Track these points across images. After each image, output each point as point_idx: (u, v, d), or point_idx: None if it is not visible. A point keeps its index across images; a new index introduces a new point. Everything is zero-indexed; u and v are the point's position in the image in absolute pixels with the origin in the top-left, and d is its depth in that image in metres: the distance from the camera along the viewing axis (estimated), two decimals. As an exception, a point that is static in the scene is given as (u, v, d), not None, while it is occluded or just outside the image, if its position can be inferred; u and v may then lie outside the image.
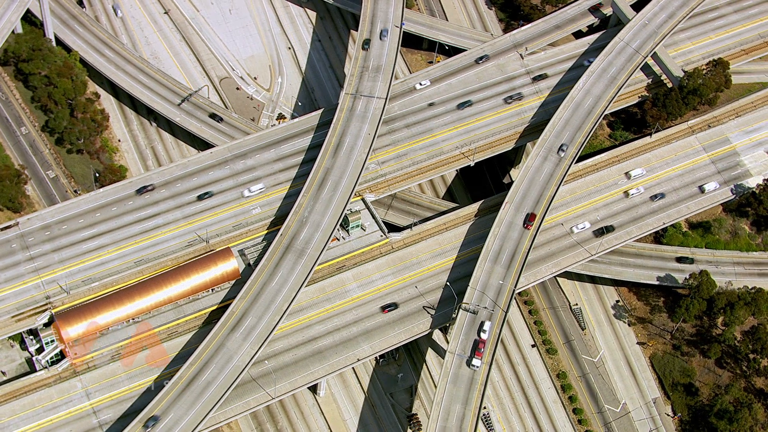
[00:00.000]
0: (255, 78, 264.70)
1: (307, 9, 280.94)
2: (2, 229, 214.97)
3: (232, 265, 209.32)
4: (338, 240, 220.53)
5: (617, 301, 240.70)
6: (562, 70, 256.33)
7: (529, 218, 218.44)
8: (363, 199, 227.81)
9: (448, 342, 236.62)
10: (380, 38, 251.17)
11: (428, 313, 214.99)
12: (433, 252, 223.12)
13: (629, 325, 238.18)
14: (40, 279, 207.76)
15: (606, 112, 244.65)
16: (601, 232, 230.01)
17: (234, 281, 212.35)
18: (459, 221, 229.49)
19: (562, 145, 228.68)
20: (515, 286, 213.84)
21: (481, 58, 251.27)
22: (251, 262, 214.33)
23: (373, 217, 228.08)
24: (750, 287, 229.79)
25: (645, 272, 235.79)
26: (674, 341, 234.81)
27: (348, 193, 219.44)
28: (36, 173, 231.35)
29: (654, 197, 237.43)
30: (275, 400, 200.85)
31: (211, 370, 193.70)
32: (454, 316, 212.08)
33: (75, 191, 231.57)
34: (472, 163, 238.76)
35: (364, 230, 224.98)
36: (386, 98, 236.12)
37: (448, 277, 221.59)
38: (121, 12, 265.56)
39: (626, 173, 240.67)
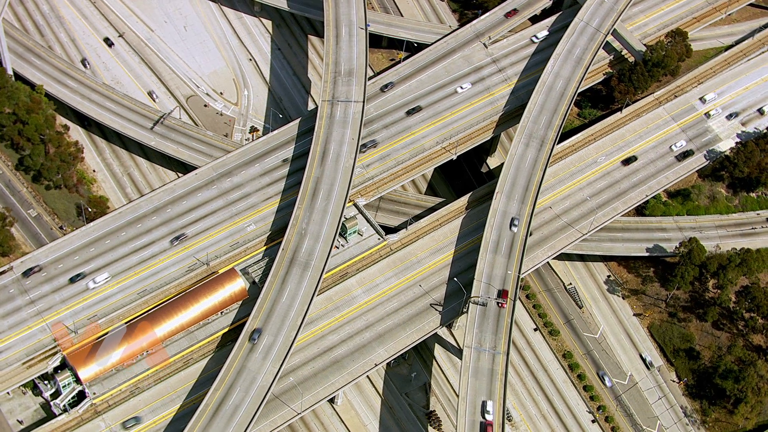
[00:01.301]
0: (221, 93, 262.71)
1: (261, 18, 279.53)
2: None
3: (239, 285, 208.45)
4: (337, 248, 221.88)
5: (608, 276, 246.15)
6: (527, 55, 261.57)
7: (502, 295, 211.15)
8: (355, 204, 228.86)
9: (453, 335, 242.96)
10: None
11: (436, 310, 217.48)
12: (431, 249, 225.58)
13: (623, 298, 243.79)
14: (45, 322, 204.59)
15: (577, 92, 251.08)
16: (684, 156, 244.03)
17: (242, 301, 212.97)
18: (451, 216, 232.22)
19: (513, 219, 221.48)
20: (519, 273, 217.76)
21: (386, 86, 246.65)
22: (256, 280, 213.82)
23: (368, 221, 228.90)
24: (738, 249, 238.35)
25: (634, 245, 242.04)
26: (669, 309, 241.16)
27: (342, 200, 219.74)
28: (17, 213, 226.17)
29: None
30: (301, 414, 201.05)
31: (237, 393, 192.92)
32: (464, 310, 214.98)
33: (60, 227, 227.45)
34: (454, 157, 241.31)
35: (362, 235, 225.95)
36: (363, 101, 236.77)
37: (449, 271, 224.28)
38: (90, 64, 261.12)
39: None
